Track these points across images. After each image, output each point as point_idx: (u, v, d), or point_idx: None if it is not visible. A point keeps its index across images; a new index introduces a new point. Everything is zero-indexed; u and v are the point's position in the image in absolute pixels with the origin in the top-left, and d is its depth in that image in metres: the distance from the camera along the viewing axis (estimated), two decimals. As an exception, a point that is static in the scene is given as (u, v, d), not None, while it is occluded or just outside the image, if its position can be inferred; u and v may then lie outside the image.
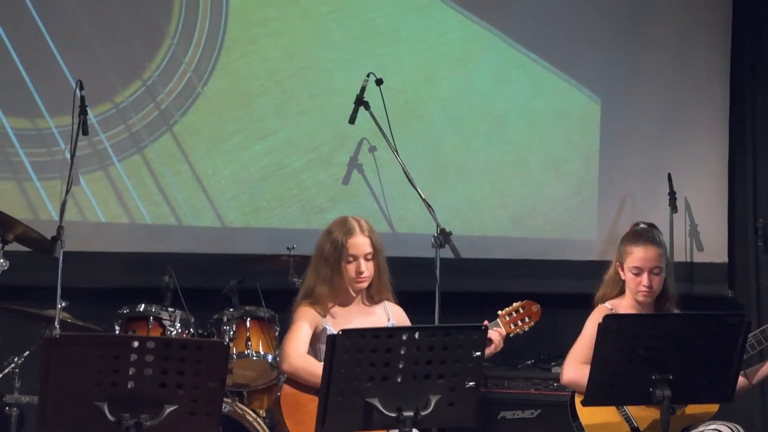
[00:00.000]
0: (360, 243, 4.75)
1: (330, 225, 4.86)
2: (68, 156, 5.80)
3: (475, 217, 6.98)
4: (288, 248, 6.09)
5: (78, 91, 5.79)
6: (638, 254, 4.85)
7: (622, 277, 4.92)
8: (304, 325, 4.70)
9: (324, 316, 4.75)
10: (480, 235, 6.96)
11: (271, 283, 6.13)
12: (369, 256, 4.75)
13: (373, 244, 4.77)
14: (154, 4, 6.81)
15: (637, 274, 4.85)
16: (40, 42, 6.64)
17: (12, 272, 5.37)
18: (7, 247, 5.57)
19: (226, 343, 4.64)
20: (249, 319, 5.92)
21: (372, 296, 4.87)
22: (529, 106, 7.05)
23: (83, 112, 5.80)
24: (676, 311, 4.96)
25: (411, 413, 3.99)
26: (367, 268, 4.75)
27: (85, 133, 5.83)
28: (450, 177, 6.96)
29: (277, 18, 6.89)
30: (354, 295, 4.82)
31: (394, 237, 6.76)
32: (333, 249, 4.74)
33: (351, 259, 4.73)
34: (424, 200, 5.96)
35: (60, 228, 5.39)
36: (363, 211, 6.65)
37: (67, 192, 5.61)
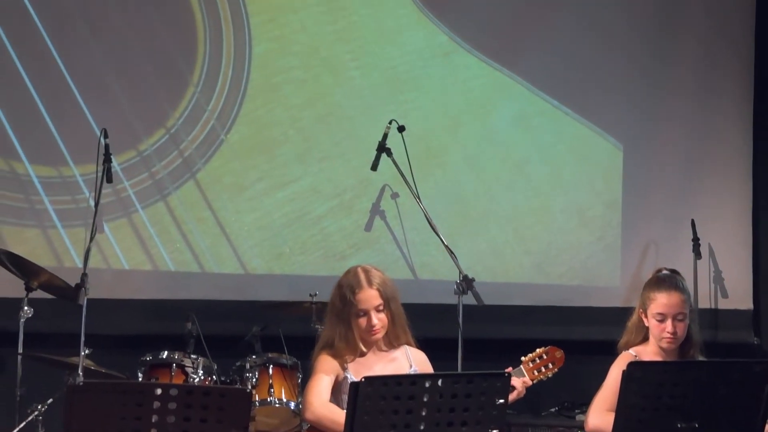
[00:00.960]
0: (368, 297, 4.67)
1: (340, 278, 4.79)
2: (92, 203, 5.84)
3: (497, 264, 6.97)
4: (310, 295, 6.09)
5: (102, 139, 5.84)
6: (662, 300, 4.82)
7: (646, 324, 4.89)
8: (324, 375, 4.67)
9: (344, 364, 4.72)
10: (503, 281, 6.94)
11: (294, 329, 6.13)
12: (380, 308, 4.68)
13: (382, 295, 4.68)
14: (178, 54, 6.87)
15: (661, 321, 4.82)
16: (65, 90, 6.71)
17: (36, 319, 5.37)
18: (32, 295, 5.61)
19: (248, 390, 4.65)
20: (271, 366, 5.92)
21: (390, 341, 4.82)
22: (552, 152, 7.06)
23: (107, 160, 5.85)
24: (701, 358, 4.92)
25: (434, 461, 3.95)
26: (379, 320, 4.68)
27: (110, 180, 5.87)
28: (472, 223, 6.96)
29: (299, 66, 6.94)
30: (367, 348, 4.77)
31: (416, 283, 6.75)
32: (343, 304, 4.69)
33: (361, 313, 4.67)
34: (446, 246, 5.96)
35: (84, 275, 5.41)
36: (385, 258, 6.68)
37: (91, 239, 5.63)
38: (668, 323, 4.80)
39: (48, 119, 6.70)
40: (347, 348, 4.70)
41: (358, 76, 6.97)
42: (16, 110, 6.70)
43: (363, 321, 4.66)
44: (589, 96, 7.07)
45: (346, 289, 4.68)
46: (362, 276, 4.70)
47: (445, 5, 7.02)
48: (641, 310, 4.91)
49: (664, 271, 4.99)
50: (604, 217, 7.07)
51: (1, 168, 6.67)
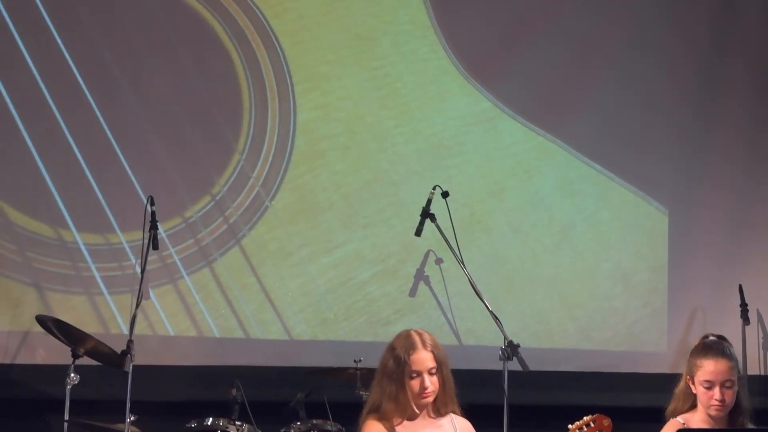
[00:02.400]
0: (423, 358, 4.67)
1: (392, 340, 4.79)
2: (138, 270, 5.89)
3: (543, 329, 6.92)
4: (355, 361, 6.07)
5: (149, 207, 5.90)
6: (709, 368, 4.76)
7: (694, 391, 4.82)
8: (372, 440, 4.65)
9: (392, 428, 4.70)
10: (548, 347, 6.89)
11: (339, 396, 6.11)
12: (433, 371, 4.68)
13: (436, 358, 4.68)
14: (223, 121, 6.94)
15: (709, 388, 4.76)
16: (113, 158, 6.79)
17: (82, 386, 5.40)
18: (78, 361, 5.63)
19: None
20: (316, 432, 5.90)
21: (438, 408, 4.80)
22: (596, 217, 7.03)
23: (154, 227, 5.90)
24: (750, 426, 4.84)
25: None
26: (432, 383, 4.68)
27: (156, 247, 5.92)
28: (517, 289, 6.93)
29: (343, 132, 6.99)
30: (419, 411, 4.75)
31: (461, 349, 6.71)
32: (396, 365, 4.68)
33: (414, 375, 4.66)
34: (491, 312, 5.93)
35: (130, 342, 5.45)
36: (430, 323, 6.65)
37: (137, 306, 5.67)
38: (716, 390, 4.74)
39: (95, 187, 6.78)
40: (396, 409, 4.67)
41: (402, 142, 7.01)
42: (64, 178, 6.80)
43: (416, 383, 4.64)
44: (633, 160, 7.04)
45: (400, 350, 4.67)
46: (416, 338, 4.69)
47: (488, 72, 7.05)
48: (688, 377, 4.85)
49: (711, 338, 4.93)
50: (650, 282, 7.01)
51: (49, 236, 6.74)
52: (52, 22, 6.83)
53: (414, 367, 4.64)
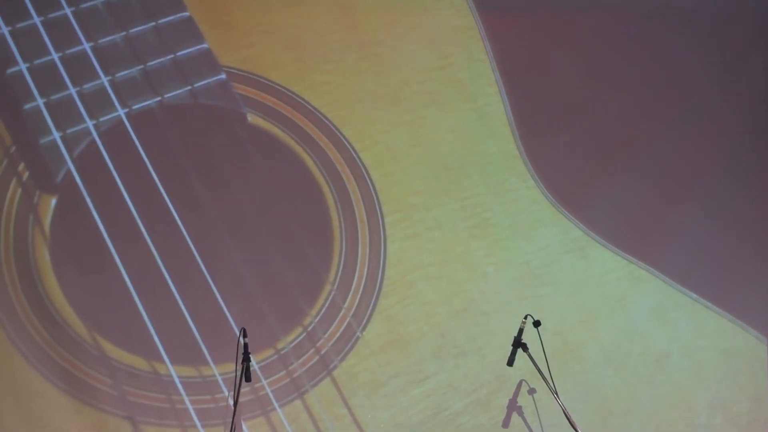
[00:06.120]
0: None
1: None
2: (231, 402, 5.90)
3: (640, 461, 6.80)
4: (448, 494, 6.00)
5: (242, 339, 5.94)
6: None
7: None
8: None
9: None
10: (646, 480, 6.75)
11: None
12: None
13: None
14: (313, 254, 7.00)
15: None
16: (206, 292, 6.86)
17: None
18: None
19: None
20: None
21: None
22: (692, 346, 6.93)
23: (246, 359, 5.94)
24: None
25: None
26: None
27: (248, 379, 5.95)
28: (612, 420, 6.81)
29: (434, 263, 7.01)
30: None
31: (556, 482, 6.60)
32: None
33: None
34: (587, 445, 5.84)
35: (224, 475, 5.45)
36: (524, 456, 6.56)
37: (231, 439, 5.68)
38: None
39: (189, 319, 6.85)
40: None
41: (492, 271, 7.01)
42: (159, 311, 6.87)
43: None
44: (728, 288, 6.97)
45: None
46: None
47: (579, 201, 7.07)
48: None
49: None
50: (750, 413, 6.85)
51: (144, 369, 6.80)
52: (152, 167, 6.98)
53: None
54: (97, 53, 6.90)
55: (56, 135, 6.79)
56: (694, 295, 6.95)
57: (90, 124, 6.83)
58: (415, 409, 6.85)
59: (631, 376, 6.90)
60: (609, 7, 7.40)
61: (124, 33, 6.95)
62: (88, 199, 6.77)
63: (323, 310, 6.95)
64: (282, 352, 6.89)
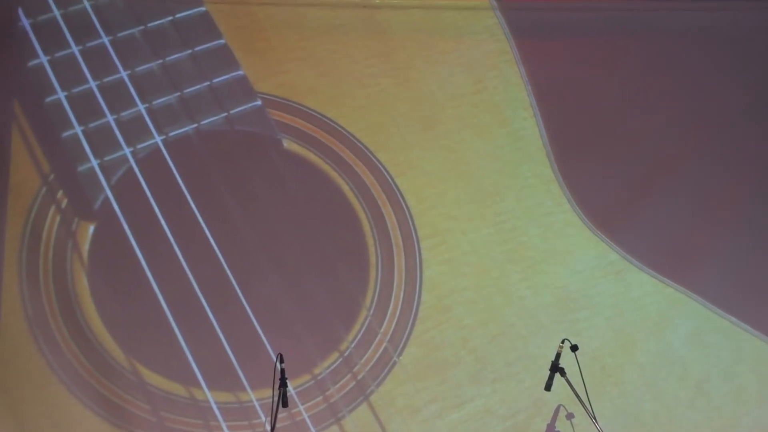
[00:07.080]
0: None
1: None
2: (268, 428, 5.90)
3: (680, 487, 6.74)
4: None
5: (278, 364, 5.95)
6: None
7: None
8: None
9: None
10: (687, 506, 6.70)
11: None
12: None
13: None
14: (350, 279, 7.01)
15: None
16: (243, 318, 6.88)
17: None
18: None
19: None
20: None
21: None
22: (732, 370, 6.87)
23: (283, 384, 5.94)
24: None
25: None
26: None
27: (285, 405, 5.94)
28: (652, 444, 6.78)
29: (470, 287, 7.00)
30: None
31: (595, 508, 6.54)
32: None
33: None
34: (626, 470, 5.80)
35: (261, 502, 5.44)
36: (562, 481, 6.52)
37: (268, 465, 5.67)
38: None
39: (227, 346, 6.86)
40: None
41: (529, 295, 6.99)
42: (196, 338, 6.89)
43: None
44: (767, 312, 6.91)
45: None
46: None
47: (615, 225, 7.04)
48: None
49: None
50: (791, 436, 6.79)
51: (182, 395, 6.82)
52: (189, 193, 7.01)
53: None
54: (134, 81, 6.96)
55: (94, 162, 6.85)
56: (733, 319, 6.90)
57: (127, 151, 6.89)
58: (452, 434, 6.85)
59: (671, 401, 6.85)
60: (643, 31, 7.39)
61: (160, 61, 7.01)
62: (125, 226, 6.81)
63: (360, 335, 6.95)
64: (319, 378, 6.89)
